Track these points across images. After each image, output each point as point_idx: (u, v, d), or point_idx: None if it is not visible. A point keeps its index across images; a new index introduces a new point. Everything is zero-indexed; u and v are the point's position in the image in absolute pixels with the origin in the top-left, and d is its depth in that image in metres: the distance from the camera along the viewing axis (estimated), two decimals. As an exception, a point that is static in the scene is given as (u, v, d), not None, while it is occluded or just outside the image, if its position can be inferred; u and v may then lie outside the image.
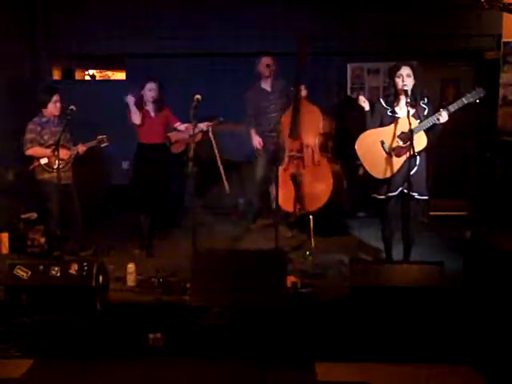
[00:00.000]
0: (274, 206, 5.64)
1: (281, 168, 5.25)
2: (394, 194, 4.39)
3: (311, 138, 5.27)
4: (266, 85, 5.65)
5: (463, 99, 4.16)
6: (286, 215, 5.58)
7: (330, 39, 6.49)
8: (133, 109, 5.19)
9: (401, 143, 4.32)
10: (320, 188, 5.22)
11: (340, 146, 6.66)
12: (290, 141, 5.28)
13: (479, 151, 6.51)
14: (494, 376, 3.11)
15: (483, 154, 6.39)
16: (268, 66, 5.52)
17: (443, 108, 4.19)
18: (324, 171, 5.24)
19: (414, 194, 4.30)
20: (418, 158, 4.30)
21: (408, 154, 4.19)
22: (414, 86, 4.30)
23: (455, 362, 3.27)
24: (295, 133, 5.23)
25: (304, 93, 5.30)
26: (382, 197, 4.45)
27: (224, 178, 5.56)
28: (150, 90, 5.29)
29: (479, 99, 4.17)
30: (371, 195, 4.54)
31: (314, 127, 5.27)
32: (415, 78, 4.30)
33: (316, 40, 6.48)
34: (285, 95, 5.48)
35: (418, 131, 4.19)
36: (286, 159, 5.32)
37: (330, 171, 5.24)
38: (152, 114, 5.42)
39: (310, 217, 5.17)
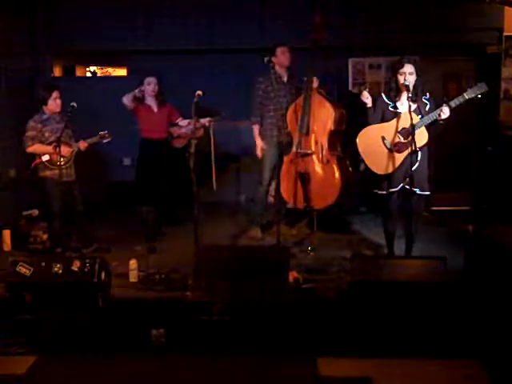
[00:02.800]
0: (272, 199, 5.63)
1: (286, 158, 5.14)
2: (395, 189, 4.39)
3: (322, 135, 5.11)
4: (283, 74, 5.40)
5: (465, 94, 4.15)
6: (286, 212, 5.58)
7: (331, 34, 6.47)
8: (131, 93, 5.33)
9: (402, 139, 4.31)
10: (328, 188, 5.07)
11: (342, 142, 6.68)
12: (299, 135, 5.07)
13: (481, 145, 6.50)
14: (496, 368, 3.12)
15: (485, 148, 6.38)
16: (284, 54, 5.31)
17: (445, 103, 4.18)
18: (333, 170, 5.08)
19: (415, 189, 4.30)
20: (419, 153, 4.30)
21: (409, 149, 4.19)
22: (416, 81, 4.30)
23: (457, 356, 3.28)
24: (306, 127, 5.06)
25: (316, 83, 5.14)
26: (384, 192, 4.45)
27: (214, 175, 5.43)
28: (148, 84, 5.34)
29: (481, 94, 4.15)
30: (373, 191, 4.54)
31: (325, 123, 5.11)
32: (417, 73, 4.30)
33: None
34: (296, 87, 5.31)
35: (420, 127, 4.18)
36: (292, 153, 5.14)
37: (339, 171, 5.09)
38: (154, 110, 5.44)
39: (314, 214, 5.15)
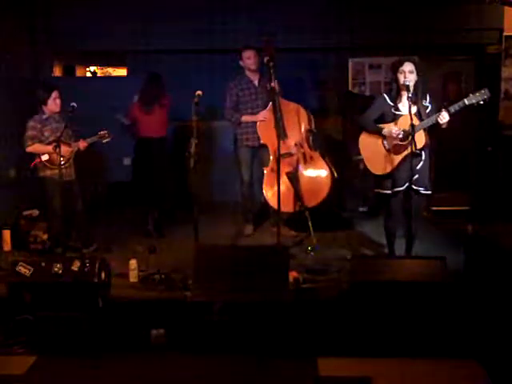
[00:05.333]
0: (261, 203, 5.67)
1: (267, 169, 5.27)
2: (401, 188, 4.36)
3: (300, 135, 5.25)
4: (253, 78, 5.44)
5: (465, 100, 4.10)
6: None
7: (331, 34, 6.48)
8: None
9: (400, 141, 4.31)
10: (319, 183, 5.21)
11: (342, 142, 6.69)
12: (278, 142, 4.89)
13: (481, 145, 6.50)
14: (494, 369, 3.12)
15: (485, 148, 6.38)
16: (249, 58, 5.33)
17: (444, 108, 4.16)
18: (319, 165, 5.24)
19: (419, 188, 4.30)
20: (423, 153, 4.30)
21: (406, 151, 4.21)
22: (416, 81, 4.28)
23: (456, 356, 3.28)
24: (283, 133, 5.10)
25: (278, 90, 5.11)
26: (389, 192, 4.43)
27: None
28: None
29: (483, 101, 4.07)
30: (377, 190, 4.53)
31: (300, 124, 5.25)
32: (417, 73, 4.29)
33: (316, 35, 6.51)
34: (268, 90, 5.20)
35: (417, 130, 4.16)
36: (272, 162, 5.20)
37: (326, 165, 5.23)
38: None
39: (307, 212, 5.16)
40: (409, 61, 4.29)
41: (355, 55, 6.84)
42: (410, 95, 4.22)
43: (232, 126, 5.56)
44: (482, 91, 4.09)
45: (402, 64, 4.28)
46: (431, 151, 4.46)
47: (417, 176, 4.23)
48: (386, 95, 4.44)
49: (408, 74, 4.25)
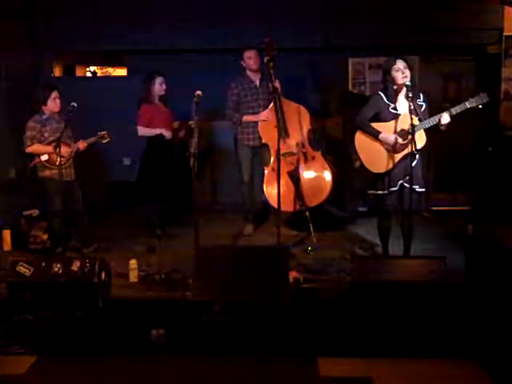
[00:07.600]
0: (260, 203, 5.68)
1: (267, 168, 5.27)
2: (395, 188, 4.39)
3: (301, 135, 5.26)
4: (255, 78, 5.47)
5: (466, 103, 4.18)
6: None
7: (331, 34, 6.48)
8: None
9: (400, 140, 4.31)
10: (320, 183, 5.23)
11: (342, 141, 6.69)
12: (278, 141, 4.89)
13: (481, 146, 6.50)
14: (495, 370, 3.12)
15: (485, 149, 6.38)
16: (250, 58, 5.38)
17: (447, 110, 4.18)
18: (321, 165, 5.25)
19: (415, 186, 4.30)
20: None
21: (406, 150, 4.22)
22: (410, 80, 4.30)
23: (457, 357, 3.28)
24: (284, 131, 5.12)
25: (279, 89, 5.16)
26: (385, 192, 4.44)
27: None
28: (160, 84, 5.37)
29: (482, 104, 4.17)
30: (374, 191, 4.53)
31: (302, 123, 5.26)
32: (411, 71, 4.31)
33: (316, 35, 6.51)
34: (269, 91, 5.25)
35: (418, 130, 4.17)
36: (273, 162, 5.20)
37: (327, 165, 5.26)
38: (162, 109, 5.46)
39: (307, 213, 5.15)
40: (400, 59, 4.31)
41: (355, 55, 6.84)
42: (406, 93, 4.23)
43: (233, 126, 5.56)
44: (482, 95, 4.18)
45: (395, 62, 4.29)
46: (430, 151, 4.47)
47: (412, 175, 4.24)
48: (381, 93, 4.44)
49: (404, 70, 4.27)
